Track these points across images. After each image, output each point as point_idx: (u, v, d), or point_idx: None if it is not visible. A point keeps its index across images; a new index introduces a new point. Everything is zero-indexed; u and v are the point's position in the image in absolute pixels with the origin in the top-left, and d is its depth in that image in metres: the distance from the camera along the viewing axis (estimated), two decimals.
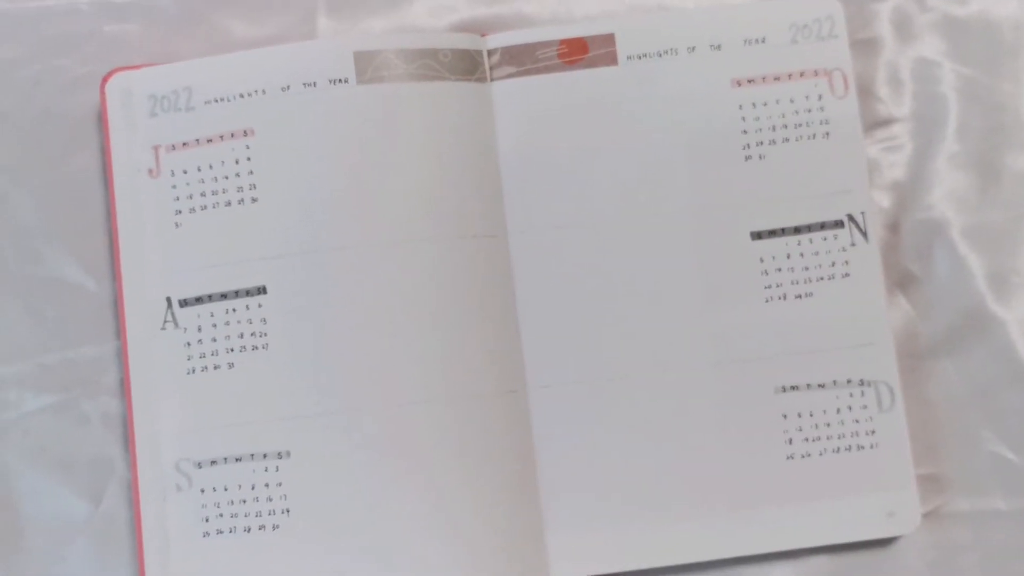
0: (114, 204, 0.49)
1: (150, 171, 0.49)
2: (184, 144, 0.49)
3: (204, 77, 0.49)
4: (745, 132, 0.49)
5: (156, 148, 0.49)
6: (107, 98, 0.49)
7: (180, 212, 0.48)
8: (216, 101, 0.49)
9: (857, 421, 0.48)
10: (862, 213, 0.49)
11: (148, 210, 0.48)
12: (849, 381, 0.48)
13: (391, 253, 0.47)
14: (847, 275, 0.48)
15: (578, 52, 0.49)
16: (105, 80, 0.49)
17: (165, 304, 0.48)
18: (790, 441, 0.48)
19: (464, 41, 0.49)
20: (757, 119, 0.49)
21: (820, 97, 0.49)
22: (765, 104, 0.49)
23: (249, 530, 0.47)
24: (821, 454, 0.47)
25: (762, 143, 0.49)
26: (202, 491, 0.47)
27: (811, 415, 0.48)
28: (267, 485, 0.47)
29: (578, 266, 0.48)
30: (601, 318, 0.48)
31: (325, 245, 0.47)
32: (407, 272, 0.47)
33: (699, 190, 0.49)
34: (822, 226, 0.49)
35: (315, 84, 0.48)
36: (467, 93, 0.49)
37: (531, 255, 0.48)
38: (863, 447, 0.48)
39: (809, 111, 0.49)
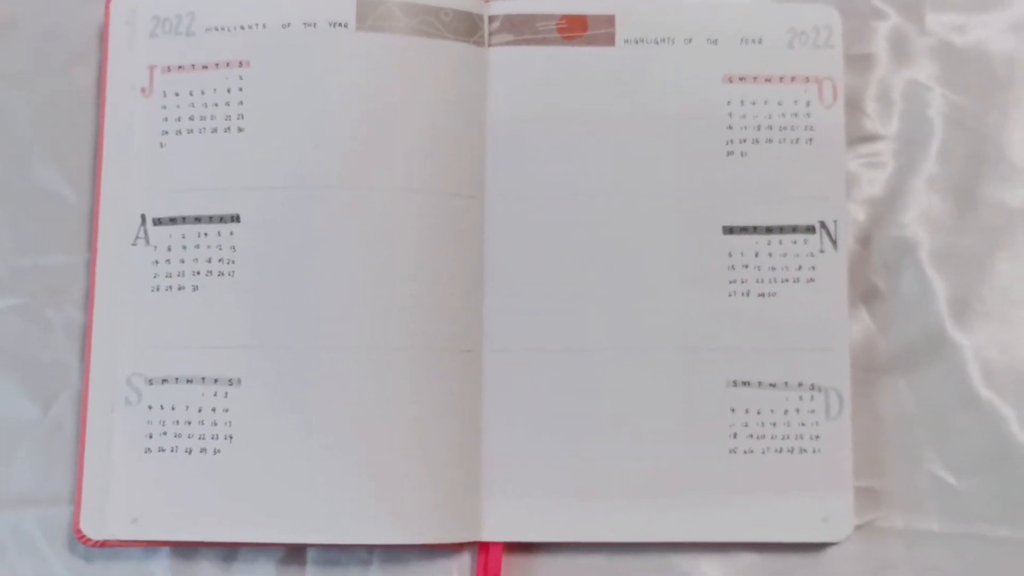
0: (103, 119, 0.49)
1: (143, 90, 0.49)
2: (180, 67, 0.49)
3: (208, 4, 0.49)
4: (731, 128, 0.49)
5: (152, 68, 0.49)
6: (111, 15, 0.50)
7: (167, 133, 0.49)
8: (217, 29, 0.49)
9: (803, 424, 0.48)
10: (834, 221, 0.49)
11: (136, 128, 0.49)
12: (800, 384, 0.48)
13: (366, 199, 0.48)
14: (812, 280, 0.49)
15: (578, 29, 0.50)
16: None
17: (139, 221, 0.49)
18: (735, 435, 0.48)
19: (467, 4, 0.50)
20: (744, 116, 0.49)
21: (808, 103, 0.50)
22: (754, 103, 0.50)
23: (191, 451, 0.47)
24: (764, 452, 0.48)
25: (746, 140, 0.49)
26: (150, 407, 0.48)
27: (759, 413, 0.48)
28: (214, 410, 0.47)
29: (551, 236, 0.49)
30: (566, 289, 0.48)
31: (303, 183, 0.48)
32: (380, 220, 0.48)
33: (679, 179, 0.49)
34: (794, 229, 0.49)
35: (315, 25, 0.49)
36: (463, 54, 0.49)
37: (506, 220, 0.49)
38: (806, 451, 0.48)
39: (796, 115, 0.50)
